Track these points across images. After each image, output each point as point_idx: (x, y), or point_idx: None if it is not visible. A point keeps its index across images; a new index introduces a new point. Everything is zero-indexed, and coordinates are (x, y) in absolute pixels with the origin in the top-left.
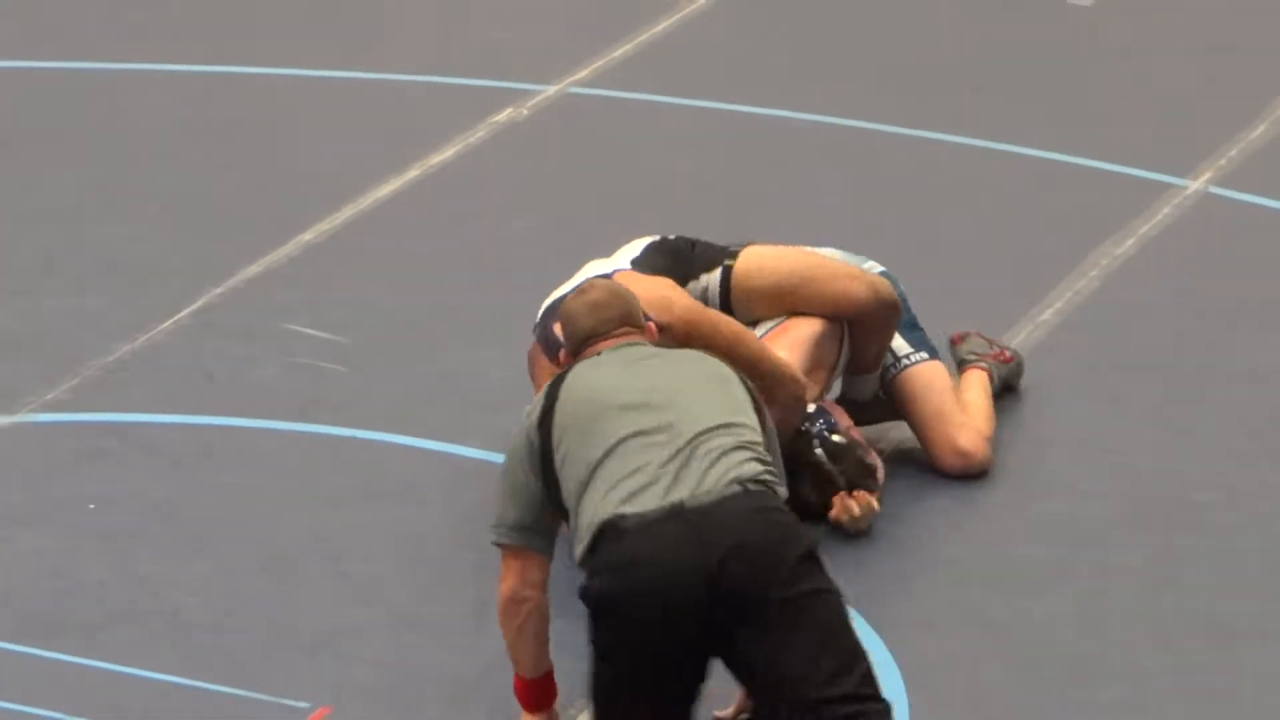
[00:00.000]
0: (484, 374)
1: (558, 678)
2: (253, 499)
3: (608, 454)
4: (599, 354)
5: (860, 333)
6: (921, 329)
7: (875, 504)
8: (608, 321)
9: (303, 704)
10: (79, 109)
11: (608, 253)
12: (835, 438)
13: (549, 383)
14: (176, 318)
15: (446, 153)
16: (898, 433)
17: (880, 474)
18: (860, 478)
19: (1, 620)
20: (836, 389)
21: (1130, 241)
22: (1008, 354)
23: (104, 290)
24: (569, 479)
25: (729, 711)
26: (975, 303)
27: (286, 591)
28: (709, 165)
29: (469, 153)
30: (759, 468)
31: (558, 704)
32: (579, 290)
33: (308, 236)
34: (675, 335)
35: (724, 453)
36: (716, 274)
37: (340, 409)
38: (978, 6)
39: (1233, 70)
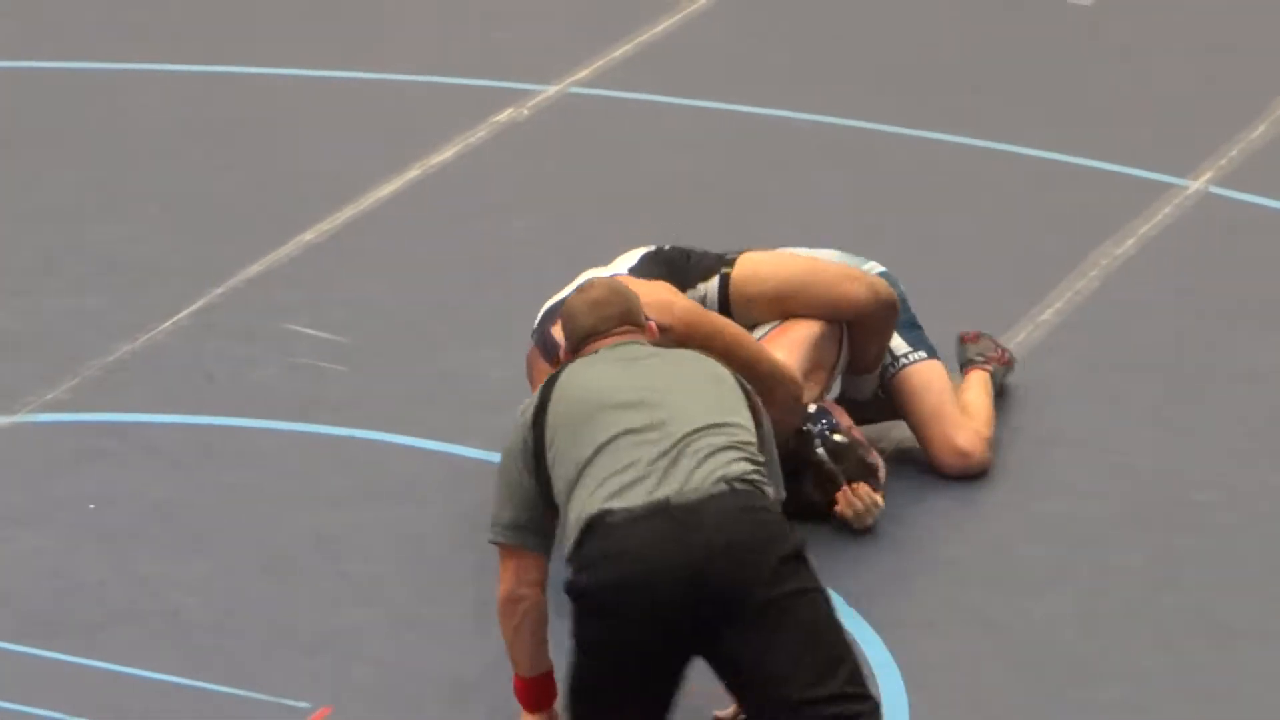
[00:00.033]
0: (484, 374)
1: (558, 678)
2: (253, 499)
3: (598, 452)
4: (596, 352)
5: (859, 333)
6: (920, 328)
7: (879, 499)
8: (607, 319)
9: (303, 704)
10: (79, 109)
11: (607, 253)
12: (837, 437)
13: (544, 381)
14: (176, 318)
15: (446, 153)
16: (898, 432)
17: (882, 473)
18: (862, 477)
19: (1, 620)
20: (836, 389)
21: (1130, 241)
22: (1007, 356)
23: (104, 290)
24: (559, 478)
25: (729, 712)
26: (975, 303)
27: (286, 591)
28: (709, 165)
29: (469, 153)
30: (748, 467)
31: (558, 704)
32: (580, 288)
33: (308, 236)
34: (675, 337)
35: (713, 452)
36: (714, 282)
37: (340, 409)
38: (978, 6)
39: (1233, 70)
